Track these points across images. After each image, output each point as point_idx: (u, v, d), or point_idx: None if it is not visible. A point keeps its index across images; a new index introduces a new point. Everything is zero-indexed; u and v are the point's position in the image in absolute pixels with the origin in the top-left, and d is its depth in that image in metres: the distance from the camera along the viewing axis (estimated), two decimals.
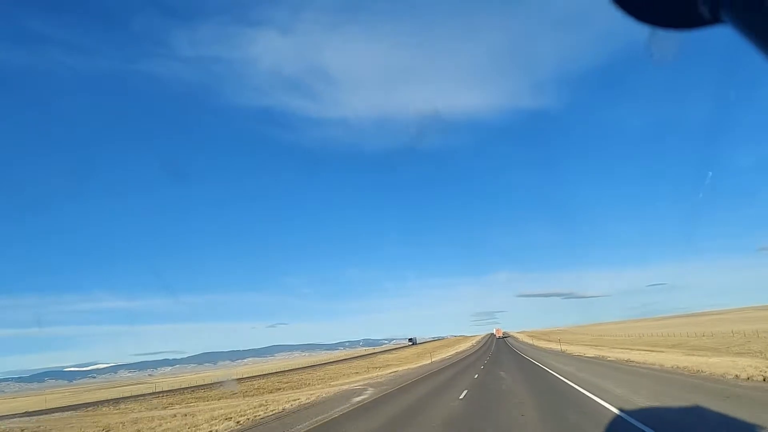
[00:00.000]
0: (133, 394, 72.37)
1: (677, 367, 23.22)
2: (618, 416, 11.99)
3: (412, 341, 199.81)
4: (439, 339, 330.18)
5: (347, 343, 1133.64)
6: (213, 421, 20.93)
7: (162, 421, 25.04)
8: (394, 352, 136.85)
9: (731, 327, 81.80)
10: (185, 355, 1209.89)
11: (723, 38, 1.53)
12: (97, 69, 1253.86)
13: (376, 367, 75.74)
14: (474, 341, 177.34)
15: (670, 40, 1.65)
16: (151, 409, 37.01)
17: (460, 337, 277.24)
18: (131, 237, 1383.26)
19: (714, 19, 1.59)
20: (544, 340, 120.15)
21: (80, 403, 61.97)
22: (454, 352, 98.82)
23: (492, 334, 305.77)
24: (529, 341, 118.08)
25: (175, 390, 69.34)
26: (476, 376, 29.55)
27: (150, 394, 64.40)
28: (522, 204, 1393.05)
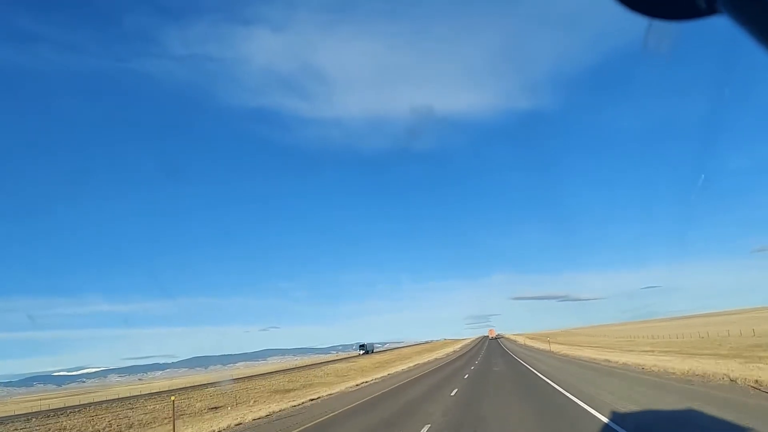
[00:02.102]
0: None
1: None
2: None
3: (365, 349, 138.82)
4: (428, 342, 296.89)
5: (340, 347, 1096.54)
6: None
7: None
8: (343, 362, 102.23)
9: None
10: (176, 359, 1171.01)
11: (719, 32, 1.52)
12: (88, 67, 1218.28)
13: (278, 392, 42.64)
14: (459, 346, 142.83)
15: (667, 31, 1.60)
16: None
17: (448, 341, 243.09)
18: (122, 239, 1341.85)
19: (710, 10, 1.55)
20: (559, 343, 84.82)
21: None
22: (408, 365, 64.88)
23: (485, 336, 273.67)
24: (543, 347, 71.33)
25: None
26: None
27: None
28: (517, 206, 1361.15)
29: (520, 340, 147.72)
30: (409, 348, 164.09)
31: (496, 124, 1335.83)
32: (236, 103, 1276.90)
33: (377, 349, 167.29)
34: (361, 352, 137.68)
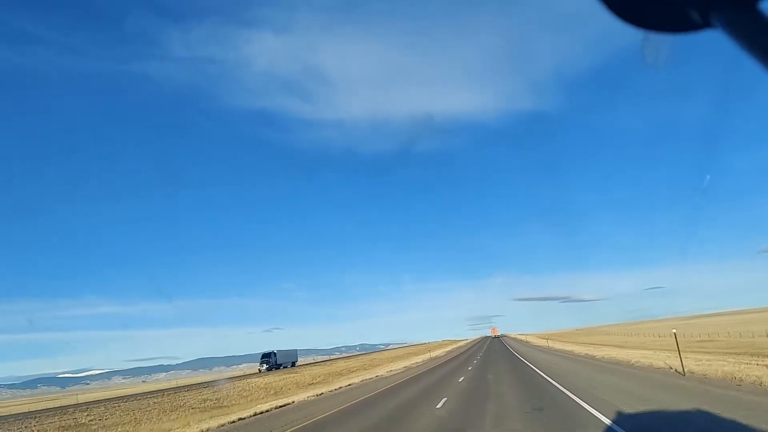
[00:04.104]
0: None
1: None
2: None
3: (270, 362, 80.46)
4: (423, 344, 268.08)
5: (343, 348, 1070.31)
6: None
7: None
8: (276, 374, 72.53)
9: None
10: (180, 361, 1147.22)
11: (718, 42, 1.51)
12: (90, 70, 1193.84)
13: None
14: (453, 347, 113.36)
15: (663, 43, 1.58)
16: None
17: (446, 342, 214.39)
18: (124, 241, 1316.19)
19: (705, 24, 1.52)
20: (617, 345, 51.67)
21: None
22: (357, 380, 36.70)
23: (487, 336, 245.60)
24: (597, 354, 37.60)
25: None
26: None
27: None
28: (519, 207, 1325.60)
29: (533, 340, 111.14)
30: (393, 351, 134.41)
31: (499, 125, 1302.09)
32: (238, 105, 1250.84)
33: (308, 359, 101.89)
34: (263, 367, 78.64)
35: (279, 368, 79.70)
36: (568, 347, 55.12)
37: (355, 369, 68.29)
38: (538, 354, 47.54)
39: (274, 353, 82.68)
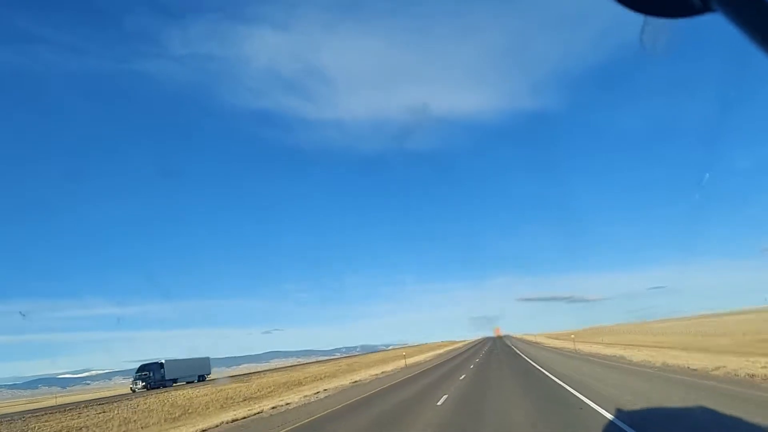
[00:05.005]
0: None
1: None
2: None
3: (149, 378, 55.02)
4: (408, 346, 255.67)
5: (344, 349, 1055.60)
6: None
7: None
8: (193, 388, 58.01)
9: None
10: None
11: (722, 36, 1.49)
12: (89, 68, 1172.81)
13: None
14: (440, 351, 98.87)
15: (662, 29, 1.59)
16: None
17: (445, 343, 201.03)
18: (124, 241, 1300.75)
19: (705, 8, 1.50)
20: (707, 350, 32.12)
21: None
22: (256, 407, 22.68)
23: (488, 337, 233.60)
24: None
25: None
26: None
27: None
28: (522, 207, 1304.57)
29: (545, 341, 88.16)
30: (376, 355, 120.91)
31: (500, 124, 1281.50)
32: (237, 103, 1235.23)
33: (292, 362, 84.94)
34: (138, 385, 54.31)
35: (168, 386, 54.45)
36: (606, 350, 39.14)
37: (321, 377, 55.38)
38: (584, 367, 25.22)
39: (160, 364, 56.10)
